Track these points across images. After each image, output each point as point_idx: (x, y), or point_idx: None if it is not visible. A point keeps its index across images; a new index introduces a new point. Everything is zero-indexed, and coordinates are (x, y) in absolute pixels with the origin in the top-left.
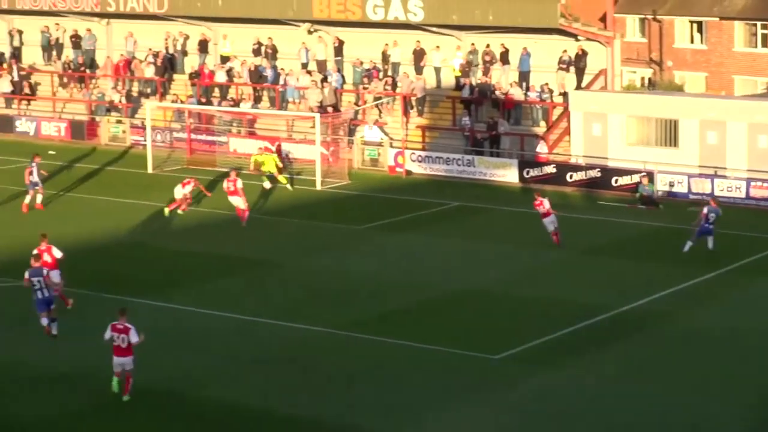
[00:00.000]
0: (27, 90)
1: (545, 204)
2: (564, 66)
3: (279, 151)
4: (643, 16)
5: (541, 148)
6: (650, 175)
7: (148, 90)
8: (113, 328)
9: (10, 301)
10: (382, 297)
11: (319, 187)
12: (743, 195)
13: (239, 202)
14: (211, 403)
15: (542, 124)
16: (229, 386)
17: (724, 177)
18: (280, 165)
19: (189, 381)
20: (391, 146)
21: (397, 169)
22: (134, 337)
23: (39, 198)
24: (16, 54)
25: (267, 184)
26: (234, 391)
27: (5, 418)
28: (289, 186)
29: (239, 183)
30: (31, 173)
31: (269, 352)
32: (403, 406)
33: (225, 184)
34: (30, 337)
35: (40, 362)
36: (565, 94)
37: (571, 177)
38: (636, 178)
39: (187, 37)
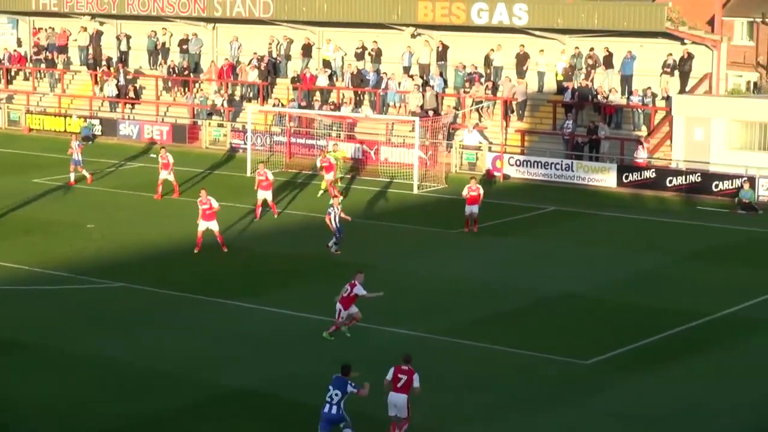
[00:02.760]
0: (132, 94)
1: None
2: (668, 70)
3: (377, 155)
4: (751, 20)
5: (640, 154)
6: (752, 180)
7: (251, 94)
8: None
9: (109, 301)
10: (476, 301)
11: (416, 191)
12: None
13: (269, 195)
14: (311, 407)
15: (644, 128)
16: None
17: None
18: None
19: (286, 384)
20: (490, 150)
21: (495, 173)
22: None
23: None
24: (123, 58)
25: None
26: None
27: (108, 417)
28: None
29: (270, 176)
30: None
31: (364, 356)
32: (492, 411)
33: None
34: (133, 337)
35: (142, 362)
36: (668, 98)
37: (670, 182)
38: (737, 183)
39: (291, 41)
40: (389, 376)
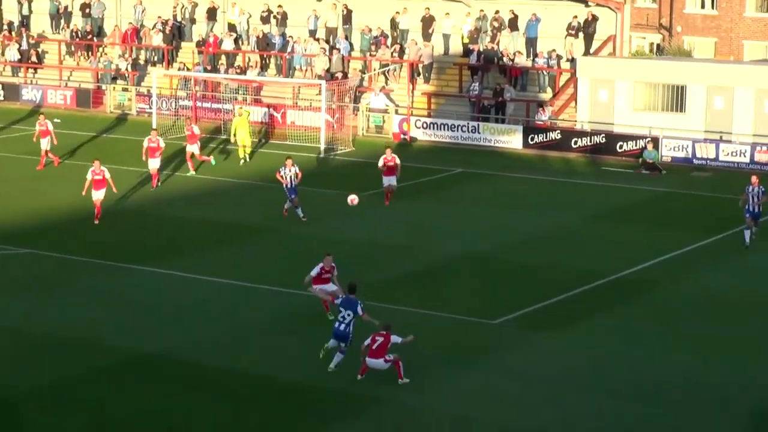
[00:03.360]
0: (34, 58)
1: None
2: (573, 32)
3: (283, 118)
4: None
5: (541, 116)
6: (655, 141)
7: (156, 58)
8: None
9: (14, 268)
10: (384, 263)
11: (323, 154)
12: (748, 160)
13: (157, 163)
14: (214, 370)
15: (549, 90)
16: (231, 353)
17: (729, 142)
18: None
19: (191, 348)
20: (397, 113)
21: (402, 136)
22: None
23: None
24: (25, 22)
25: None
26: (236, 359)
27: (7, 384)
28: (245, 159)
29: (162, 143)
30: None
31: (271, 320)
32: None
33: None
34: (37, 303)
35: (41, 329)
36: (572, 60)
37: (575, 143)
38: (641, 143)
39: (195, 5)
40: (367, 341)
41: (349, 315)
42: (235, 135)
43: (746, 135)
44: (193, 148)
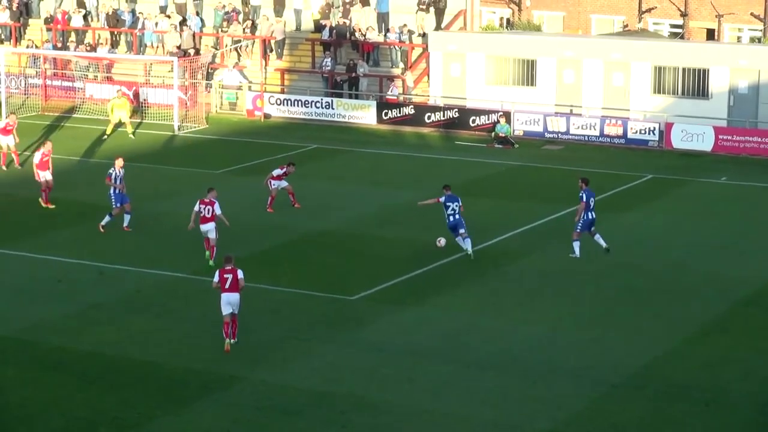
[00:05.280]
0: None
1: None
2: (423, 6)
3: (136, 96)
4: None
5: (393, 91)
6: (507, 115)
7: (3, 36)
8: (201, 202)
9: None
10: (239, 241)
11: (176, 131)
12: (598, 133)
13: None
14: (70, 352)
15: (401, 65)
16: (87, 334)
17: (579, 115)
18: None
19: (46, 330)
20: (250, 90)
21: (256, 113)
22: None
23: None
24: None
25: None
26: (93, 340)
27: None
28: (131, 135)
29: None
30: None
31: (124, 299)
32: (260, 349)
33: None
34: None
35: None
36: (424, 35)
37: (429, 118)
38: (493, 117)
39: None
40: (216, 278)
41: (456, 206)
42: (112, 113)
43: (595, 108)
44: (8, 140)
